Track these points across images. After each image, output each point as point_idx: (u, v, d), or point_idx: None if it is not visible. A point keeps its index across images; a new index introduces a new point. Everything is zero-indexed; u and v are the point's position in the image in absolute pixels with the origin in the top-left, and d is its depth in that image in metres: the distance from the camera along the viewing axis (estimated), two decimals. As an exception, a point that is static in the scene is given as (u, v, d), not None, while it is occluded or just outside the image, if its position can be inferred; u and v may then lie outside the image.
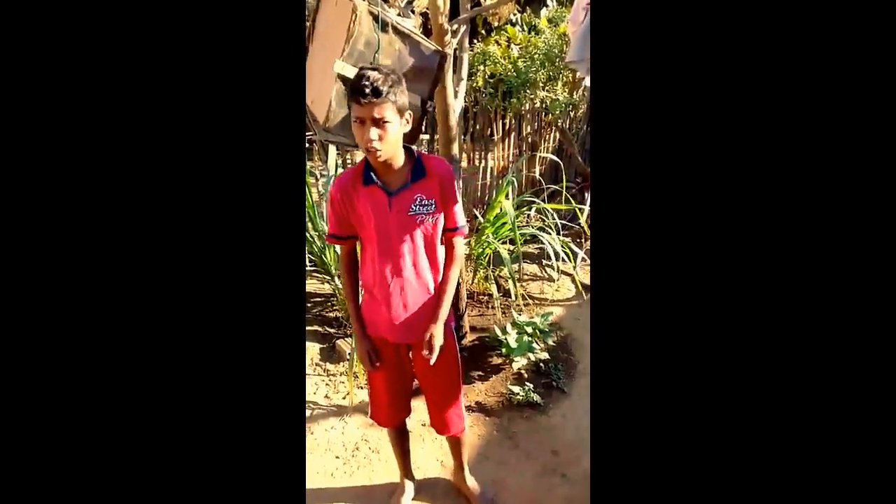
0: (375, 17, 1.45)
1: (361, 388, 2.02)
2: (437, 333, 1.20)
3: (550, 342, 2.29)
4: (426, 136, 3.79)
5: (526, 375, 2.08)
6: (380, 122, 1.03)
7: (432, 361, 1.20)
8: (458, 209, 1.21)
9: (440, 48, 1.72)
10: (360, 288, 1.29)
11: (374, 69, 1.03)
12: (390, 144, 1.06)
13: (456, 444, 1.47)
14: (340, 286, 2.37)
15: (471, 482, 1.53)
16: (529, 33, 4.20)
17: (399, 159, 1.12)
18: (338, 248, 2.25)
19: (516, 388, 1.96)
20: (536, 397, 1.94)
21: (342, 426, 1.82)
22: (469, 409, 1.90)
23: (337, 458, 1.69)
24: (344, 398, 1.96)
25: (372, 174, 1.12)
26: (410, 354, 1.30)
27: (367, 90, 0.99)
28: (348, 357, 2.10)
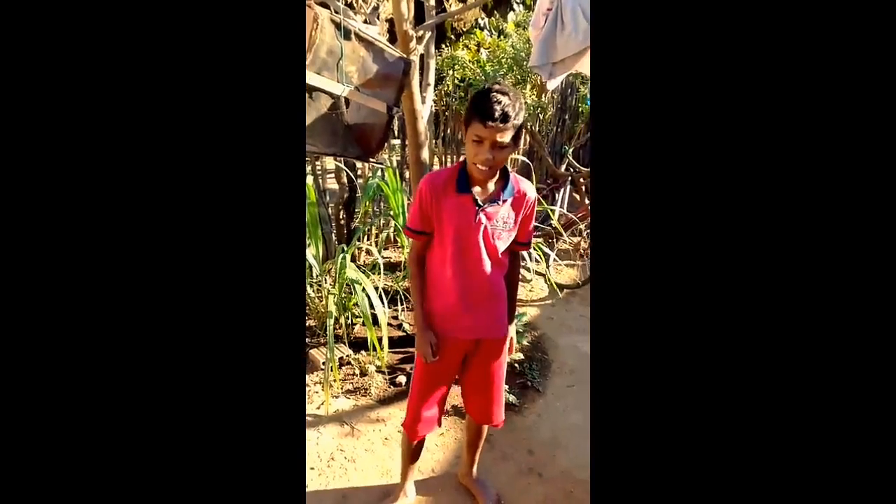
0: (338, 25, 1.45)
1: (336, 397, 2.00)
2: (514, 333, 1.38)
3: (525, 342, 2.32)
4: (397, 141, 3.80)
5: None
6: (499, 145, 1.06)
7: (512, 355, 1.44)
8: (532, 227, 1.29)
9: (404, 55, 1.72)
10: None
11: (502, 92, 1.04)
12: (500, 165, 1.11)
13: (478, 439, 1.50)
14: (313, 296, 2.34)
15: (475, 474, 1.57)
16: (498, 37, 4.25)
17: (496, 175, 1.17)
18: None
19: (492, 390, 1.97)
20: (512, 398, 1.96)
21: (317, 436, 1.80)
22: (446, 413, 1.91)
23: (312, 468, 1.67)
24: (318, 408, 1.94)
25: (467, 183, 1.16)
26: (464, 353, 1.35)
27: (497, 114, 1.01)
28: (322, 367, 2.08)
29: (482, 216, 1.17)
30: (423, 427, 1.38)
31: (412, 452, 1.47)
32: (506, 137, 1.05)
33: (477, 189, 1.17)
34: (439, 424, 1.41)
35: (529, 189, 1.24)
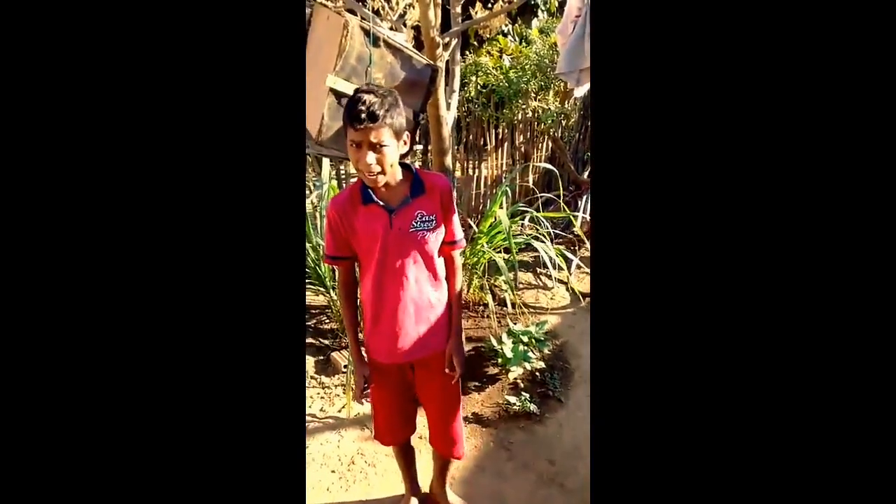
0: (367, 33, 1.47)
1: (357, 400, 2.01)
2: (457, 350, 1.23)
3: (546, 351, 2.29)
4: (420, 147, 3.82)
5: (522, 385, 2.08)
6: (377, 147, 0.99)
7: (457, 377, 1.25)
8: (456, 222, 1.21)
9: (431, 62, 1.74)
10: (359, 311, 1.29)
11: (369, 91, 0.99)
12: (388, 168, 1.04)
13: (444, 470, 1.46)
14: (335, 298, 2.36)
15: (451, 497, 1.54)
16: (521, 44, 4.25)
17: (397, 177, 1.10)
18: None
19: (512, 399, 1.96)
20: (533, 407, 1.94)
21: (338, 440, 1.81)
22: (466, 420, 1.90)
23: (333, 472, 1.68)
24: (340, 411, 1.95)
25: (370, 193, 1.10)
26: (413, 373, 1.29)
27: (363, 115, 0.95)
28: (344, 369, 2.09)
29: (395, 220, 1.10)
30: (396, 436, 1.36)
31: (404, 456, 1.47)
32: (382, 137, 0.98)
33: (384, 196, 1.11)
34: (413, 431, 1.39)
35: (440, 179, 1.16)
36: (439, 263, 1.20)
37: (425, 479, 1.58)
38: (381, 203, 1.10)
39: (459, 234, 1.22)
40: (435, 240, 1.16)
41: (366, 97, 0.97)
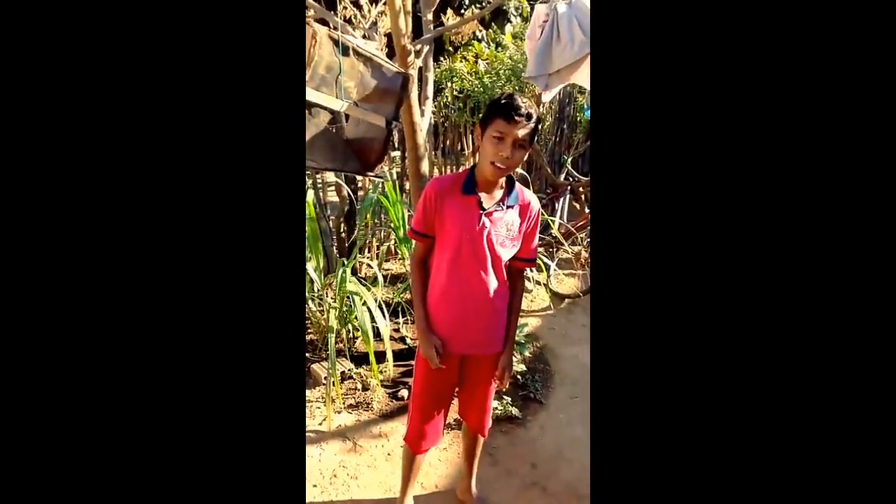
0: (336, 42, 1.47)
1: (338, 412, 1.99)
2: (508, 365, 1.31)
3: (527, 354, 2.30)
4: (397, 153, 3.81)
5: (503, 389, 2.08)
6: (518, 143, 1.10)
7: (505, 386, 1.34)
8: (535, 243, 1.29)
9: (402, 69, 1.74)
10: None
11: (523, 98, 1.11)
12: (515, 167, 1.14)
13: (475, 447, 1.51)
14: (314, 308, 2.34)
15: (474, 490, 1.58)
16: (496, 49, 4.29)
17: (502, 181, 1.20)
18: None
19: (494, 403, 1.96)
20: (514, 410, 1.95)
21: (319, 453, 1.79)
22: (448, 426, 1.89)
23: (314, 486, 1.65)
24: (320, 424, 1.92)
25: (473, 186, 1.18)
26: (459, 366, 1.33)
27: (522, 111, 1.08)
28: (324, 381, 2.07)
29: (486, 220, 1.17)
30: (426, 442, 1.36)
31: (413, 467, 1.46)
32: (527, 137, 1.11)
33: (482, 194, 1.18)
34: (437, 443, 1.40)
35: (534, 200, 1.25)
36: (505, 273, 1.26)
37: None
38: (479, 198, 1.17)
39: (535, 254, 1.31)
40: (511, 249, 1.23)
41: (524, 100, 1.10)
